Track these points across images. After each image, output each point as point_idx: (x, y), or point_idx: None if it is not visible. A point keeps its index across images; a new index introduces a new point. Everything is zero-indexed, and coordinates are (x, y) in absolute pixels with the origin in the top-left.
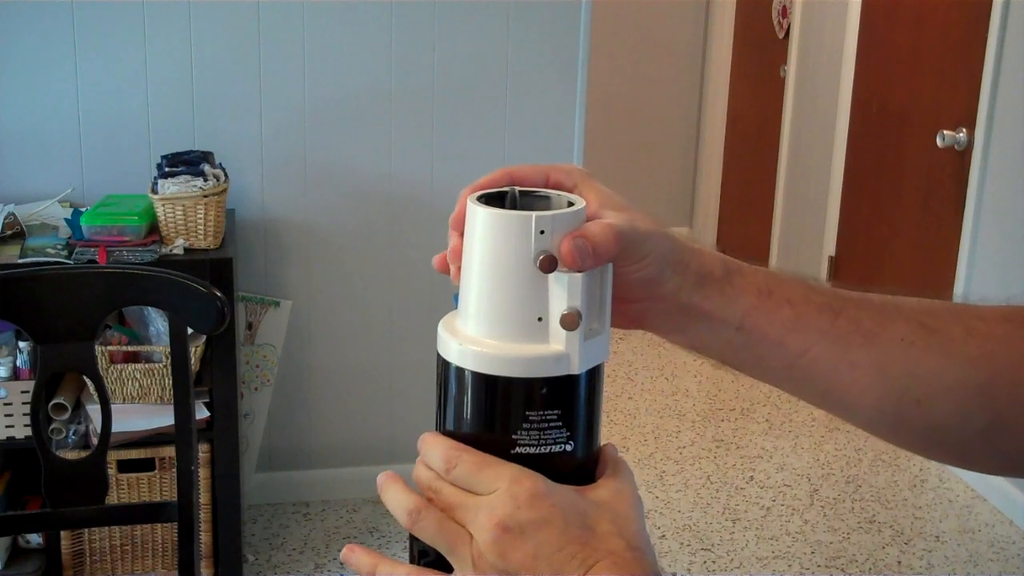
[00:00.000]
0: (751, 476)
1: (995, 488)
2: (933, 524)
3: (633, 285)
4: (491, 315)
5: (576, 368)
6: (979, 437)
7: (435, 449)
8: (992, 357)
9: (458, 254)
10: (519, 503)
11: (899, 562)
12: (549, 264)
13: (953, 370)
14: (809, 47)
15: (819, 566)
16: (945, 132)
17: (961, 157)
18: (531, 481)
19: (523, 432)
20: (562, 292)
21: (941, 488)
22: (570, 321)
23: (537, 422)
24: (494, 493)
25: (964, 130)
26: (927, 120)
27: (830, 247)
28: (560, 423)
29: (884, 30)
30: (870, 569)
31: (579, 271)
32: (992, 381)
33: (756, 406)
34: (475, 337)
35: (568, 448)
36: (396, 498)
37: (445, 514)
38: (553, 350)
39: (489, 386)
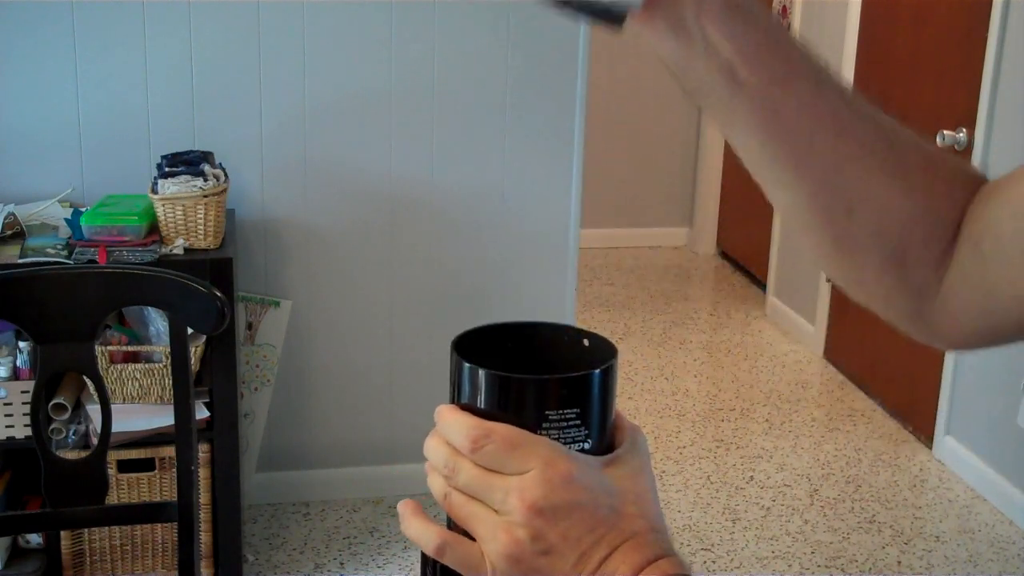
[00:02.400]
0: (751, 476)
1: (995, 488)
2: (933, 524)
3: None
4: None
5: None
6: (879, 261)
7: (458, 425)
8: (931, 191)
9: None
10: (552, 486)
11: (899, 562)
12: None
13: (894, 191)
14: None
15: (819, 566)
16: (945, 132)
17: (961, 157)
18: (564, 464)
19: (543, 432)
20: None
21: (941, 488)
22: None
23: (556, 421)
24: (526, 474)
25: (964, 130)
26: (927, 120)
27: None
28: (579, 421)
29: (884, 30)
30: (870, 569)
31: None
32: (921, 214)
33: (756, 406)
34: None
35: (586, 446)
36: (433, 481)
37: (465, 496)
38: None
39: (504, 386)
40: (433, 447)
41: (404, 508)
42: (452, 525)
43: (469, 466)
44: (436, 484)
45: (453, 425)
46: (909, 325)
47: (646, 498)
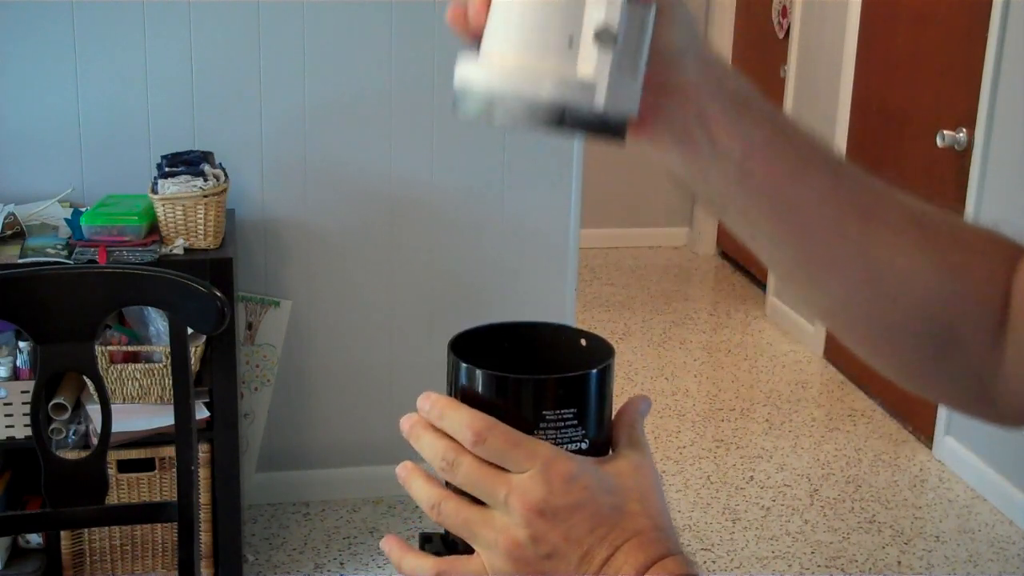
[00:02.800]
0: (751, 476)
1: (995, 488)
2: (933, 524)
3: (655, 53)
4: (517, 33)
5: (601, 99)
6: (932, 348)
7: (459, 417)
8: (971, 268)
9: None
10: (552, 487)
11: (899, 562)
12: None
13: (932, 272)
14: (809, 47)
15: (819, 566)
16: (945, 132)
17: (961, 157)
18: (564, 464)
19: (540, 432)
20: (599, 7)
21: (941, 488)
22: (605, 35)
23: (554, 421)
24: (526, 474)
25: (964, 130)
26: (927, 120)
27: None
28: (576, 421)
29: (884, 30)
30: (870, 569)
31: None
32: (964, 293)
33: (756, 406)
34: (498, 52)
35: (583, 446)
36: (419, 491)
37: (463, 498)
38: (580, 74)
39: (501, 386)
40: (429, 441)
41: (390, 546)
42: (447, 546)
43: (470, 460)
44: (425, 493)
45: (454, 417)
46: (974, 409)
47: (650, 495)
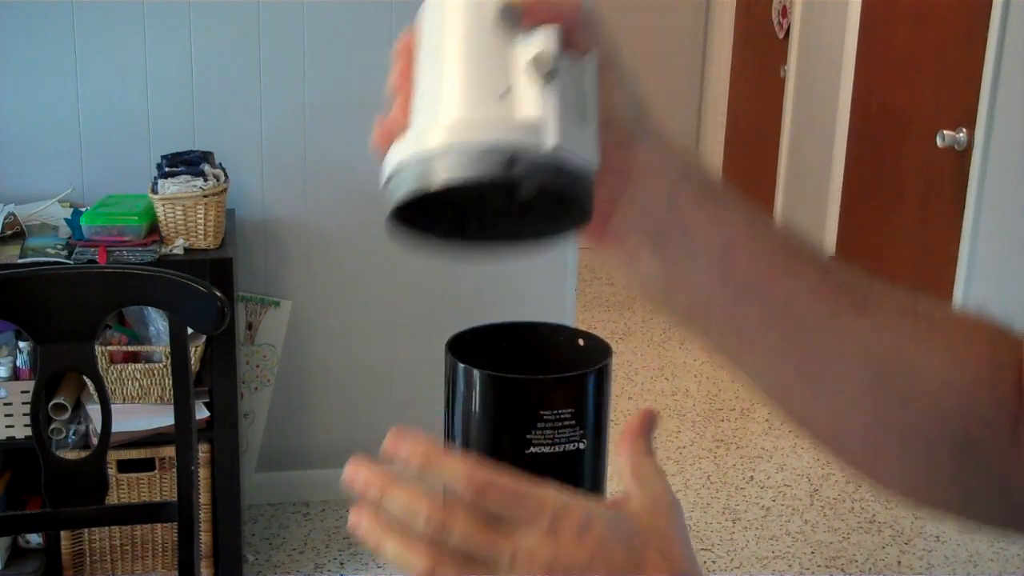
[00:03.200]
0: (751, 476)
1: None
2: (933, 524)
3: (605, 123)
4: (449, 95)
5: (552, 136)
6: (947, 454)
7: (452, 470)
8: (976, 359)
9: (406, 76)
10: (562, 542)
11: (899, 562)
12: (512, 13)
13: (938, 363)
14: (809, 47)
15: (819, 566)
16: (945, 132)
17: (961, 157)
18: (573, 513)
19: (537, 432)
20: (533, 40)
21: None
22: (539, 62)
23: (551, 421)
24: (533, 529)
25: (964, 130)
26: (927, 120)
27: (830, 247)
28: (573, 421)
29: (884, 30)
30: (870, 569)
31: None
32: (974, 387)
33: (756, 406)
34: (430, 121)
35: (581, 447)
36: (402, 556)
37: (456, 557)
38: (524, 114)
39: (498, 386)
40: (405, 501)
41: None
42: None
43: (464, 520)
44: (411, 560)
45: (445, 470)
46: (998, 520)
47: (671, 538)
